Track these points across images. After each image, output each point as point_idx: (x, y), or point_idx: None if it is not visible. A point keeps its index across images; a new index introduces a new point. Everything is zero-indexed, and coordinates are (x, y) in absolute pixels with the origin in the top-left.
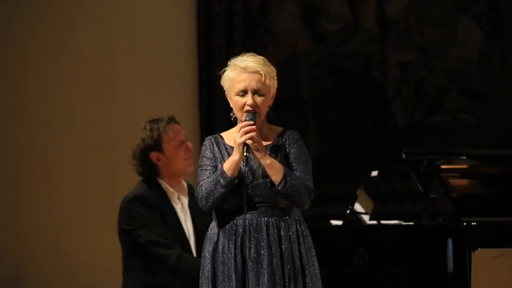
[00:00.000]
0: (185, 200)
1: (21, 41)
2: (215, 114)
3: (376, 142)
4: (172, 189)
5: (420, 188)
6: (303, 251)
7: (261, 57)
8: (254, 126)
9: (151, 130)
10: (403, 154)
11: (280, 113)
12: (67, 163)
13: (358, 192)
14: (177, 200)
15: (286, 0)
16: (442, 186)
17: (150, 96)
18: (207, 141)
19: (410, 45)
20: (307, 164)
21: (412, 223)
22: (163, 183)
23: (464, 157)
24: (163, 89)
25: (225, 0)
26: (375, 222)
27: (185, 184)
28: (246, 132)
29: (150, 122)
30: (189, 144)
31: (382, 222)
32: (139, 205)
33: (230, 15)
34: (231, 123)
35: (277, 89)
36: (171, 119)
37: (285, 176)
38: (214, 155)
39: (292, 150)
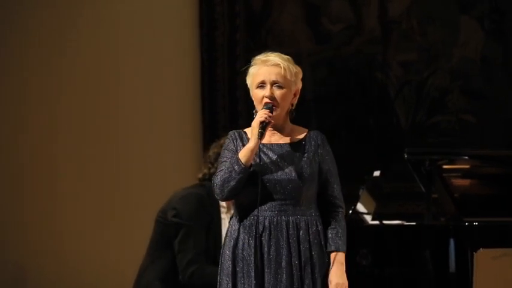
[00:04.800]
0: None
1: (22, 43)
2: (218, 114)
3: (378, 142)
4: (224, 203)
5: (422, 188)
6: (324, 250)
7: (286, 56)
8: (271, 114)
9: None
10: (405, 154)
11: None
12: (70, 164)
13: (361, 192)
14: (224, 216)
15: (289, 0)
16: (444, 187)
17: (153, 96)
18: (230, 135)
19: (413, 46)
20: (337, 177)
21: (414, 223)
22: None
23: (466, 157)
24: (166, 89)
25: (227, 0)
26: (377, 222)
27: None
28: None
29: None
30: None
31: (385, 222)
32: (196, 204)
33: (233, 15)
34: (233, 123)
35: None
36: None
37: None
38: (236, 149)
39: (324, 156)
